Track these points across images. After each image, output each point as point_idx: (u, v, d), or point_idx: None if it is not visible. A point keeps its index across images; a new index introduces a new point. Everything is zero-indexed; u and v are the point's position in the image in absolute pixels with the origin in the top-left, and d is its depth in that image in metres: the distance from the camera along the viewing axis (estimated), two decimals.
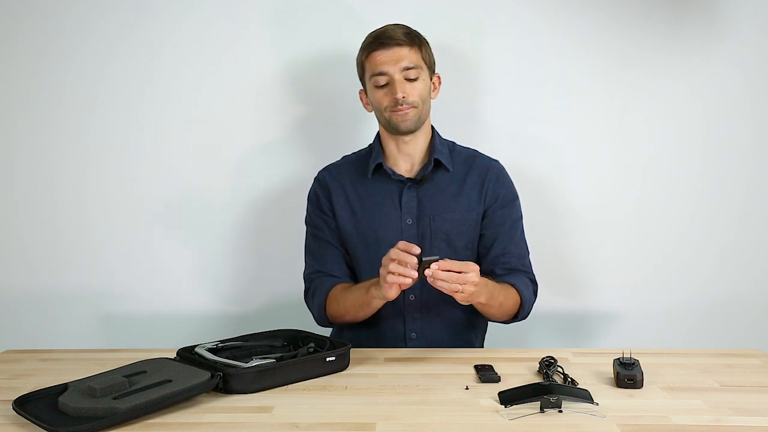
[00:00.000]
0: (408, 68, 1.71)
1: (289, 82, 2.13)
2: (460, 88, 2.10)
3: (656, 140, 2.14)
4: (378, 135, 1.84)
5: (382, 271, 1.50)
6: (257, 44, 2.12)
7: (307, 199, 1.87)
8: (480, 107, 2.14)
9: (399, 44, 1.71)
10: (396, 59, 1.70)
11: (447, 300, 1.74)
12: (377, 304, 1.63)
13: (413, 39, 1.73)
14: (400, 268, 1.46)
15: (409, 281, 1.47)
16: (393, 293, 1.51)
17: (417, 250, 1.46)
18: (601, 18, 2.09)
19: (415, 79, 1.72)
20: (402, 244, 1.48)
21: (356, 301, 1.66)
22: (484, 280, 1.57)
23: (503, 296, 1.66)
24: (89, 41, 2.12)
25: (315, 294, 1.77)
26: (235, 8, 2.10)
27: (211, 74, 2.12)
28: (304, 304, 1.83)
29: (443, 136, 1.85)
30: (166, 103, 2.13)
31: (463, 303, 1.55)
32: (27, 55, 2.12)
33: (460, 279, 1.46)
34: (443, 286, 1.46)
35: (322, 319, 1.78)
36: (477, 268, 1.49)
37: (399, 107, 1.70)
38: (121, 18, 2.11)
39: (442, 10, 2.08)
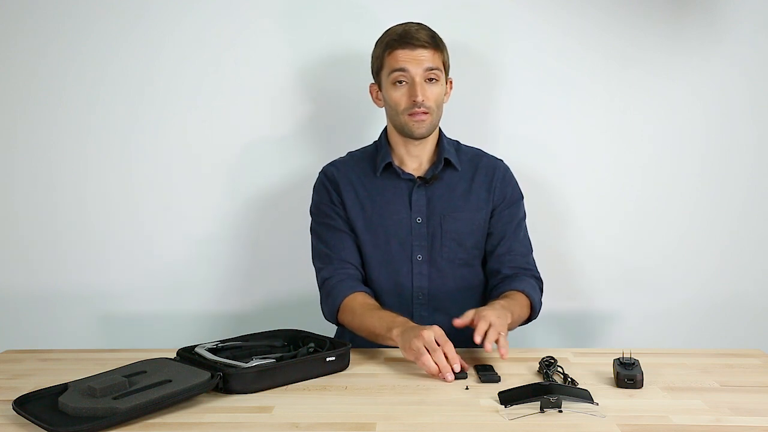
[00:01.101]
0: (430, 69, 1.70)
1: (291, 81, 2.13)
2: (460, 89, 2.09)
3: (656, 140, 2.14)
4: (385, 132, 1.84)
5: (419, 343, 1.44)
6: (259, 43, 2.11)
7: (314, 190, 1.84)
8: (480, 107, 2.14)
9: (424, 46, 1.70)
10: (419, 60, 1.69)
11: (453, 299, 1.76)
12: (391, 343, 1.58)
13: (437, 42, 1.73)
14: (433, 367, 1.43)
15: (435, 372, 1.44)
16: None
17: (458, 368, 1.43)
18: (601, 18, 2.09)
19: (435, 83, 1.71)
20: (449, 350, 1.45)
21: (373, 330, 1.61)
22: (500, 305, 1.58)
23: (519, 309, 1.67)
24: (89, 41, 2.12)
25: (330, 294, 1.73)
26: (237, 7, 2.10)
27: (211, 74, 2.12)
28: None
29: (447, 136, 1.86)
30: (167, 103, 2.13)
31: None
32: (27, 55, 2.12)
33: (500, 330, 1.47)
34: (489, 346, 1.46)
35: (332, 320, 1.76)
36: (489, 314, 1.48)
37: (416, 111, 1.70)
38: (122, 18, 2.11)
39: (443, 11, 2.08)
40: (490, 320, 1.47)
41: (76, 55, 2.12)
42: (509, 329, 1.60)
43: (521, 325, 1.74)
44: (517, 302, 1.67)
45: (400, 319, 1.57)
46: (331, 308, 1.73)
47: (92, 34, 2.11)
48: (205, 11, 2.10)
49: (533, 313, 1.74)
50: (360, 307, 1.68)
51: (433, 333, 1.45)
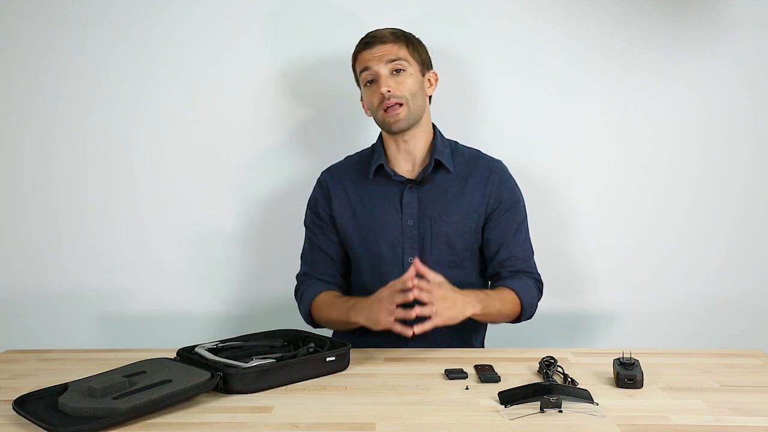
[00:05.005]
0: (393, 61, 1.71)
1: (290, 85, 2.13)
2: (461, 89, 2.10)
3: (656, 140, 2.14)
4: (380, 135, 1.85)
5: (384, 317, 1.54)
6: (258, 46, 2.11)
7: (308, 202, 1.88)
8: (480, 108, 2.14)
9: (384, 42, 1.73)
10: (381, 56, 1.72)
11: None
12: (357, 325, 1.67)
13: (398, 36, 1.75)
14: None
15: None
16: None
17: (410, 284, 1.51)
18: (601, 18, 2.09)
19: (403, 74, 1.72)
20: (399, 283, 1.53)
21: (339, 322, 1.74)
22: (475, 293, 1.62)
23: (500, 303, 1.68)
24: (90, 41, 2.12)
25: (303, 297, 1.83)
26: (235, 10, 2.10)
27: (212, 75, 2.12)
28: None
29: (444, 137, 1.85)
30: (167, 103, 2.13)
31: (443, 322, 1.53)
32: (27, 56, 2.12)
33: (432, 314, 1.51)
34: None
35: (308, 321, 1.84)
36: (440, 295, 1.52)
37: (386, 103, 1.71)
38: (122, 18, 2.11)
39: (442, 11, 2.08)
40: (434, 298, 1.50)
41: (77, 55, 2.12)
42: (487, 320, 1.71)
43: (512, 322, 1.77)
44: (501, 297, 1.69)
45: (350, 302, 1.67)
46: (305, 309, 1.82)
47: (93, 34, 2.11)
48: (205, 13, 2.10)
49: (524, 313, 1.74)
50: (325, 302, 1.79)
51: (385, 293, 1.54)
